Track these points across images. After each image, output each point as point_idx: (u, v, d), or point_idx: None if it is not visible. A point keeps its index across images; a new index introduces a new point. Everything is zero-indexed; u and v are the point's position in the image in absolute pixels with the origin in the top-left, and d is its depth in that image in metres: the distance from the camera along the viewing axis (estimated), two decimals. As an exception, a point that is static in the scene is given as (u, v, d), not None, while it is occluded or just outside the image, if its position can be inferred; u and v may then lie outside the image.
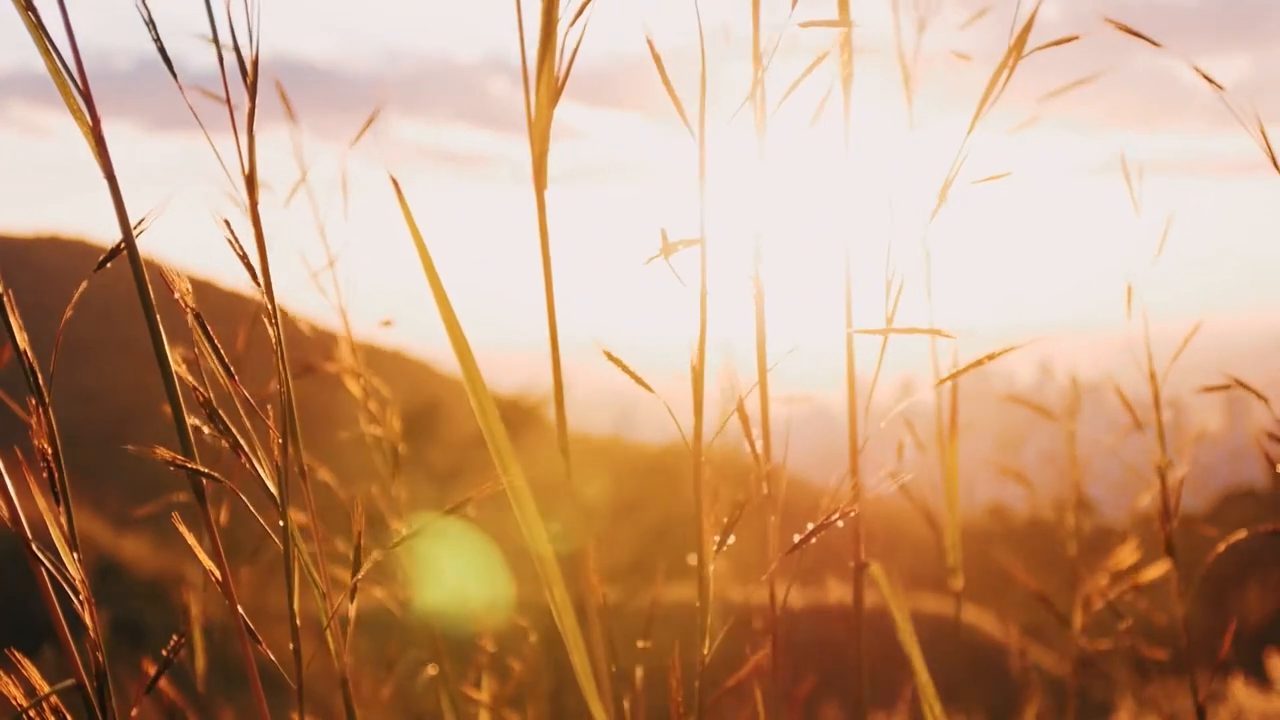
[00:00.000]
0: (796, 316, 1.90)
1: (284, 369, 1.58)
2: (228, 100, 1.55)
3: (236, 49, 1.53)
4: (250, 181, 1.56)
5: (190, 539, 1.55)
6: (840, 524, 1.72)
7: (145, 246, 1.57)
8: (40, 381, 1.55)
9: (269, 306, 1.55)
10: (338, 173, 2.69)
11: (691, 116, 1.60)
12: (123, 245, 1.55)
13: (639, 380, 1.66)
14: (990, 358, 1.73)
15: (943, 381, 1.94)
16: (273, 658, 1.61)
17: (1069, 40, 1.79)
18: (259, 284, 1.56)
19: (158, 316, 1.57)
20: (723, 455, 2.08)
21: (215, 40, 1.55)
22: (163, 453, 1.55)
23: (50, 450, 1.56)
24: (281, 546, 1.60)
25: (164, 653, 1.61)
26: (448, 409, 22.52)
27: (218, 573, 1.61)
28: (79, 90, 1.53)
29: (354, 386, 2.87)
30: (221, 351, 1.56)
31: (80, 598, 1.56)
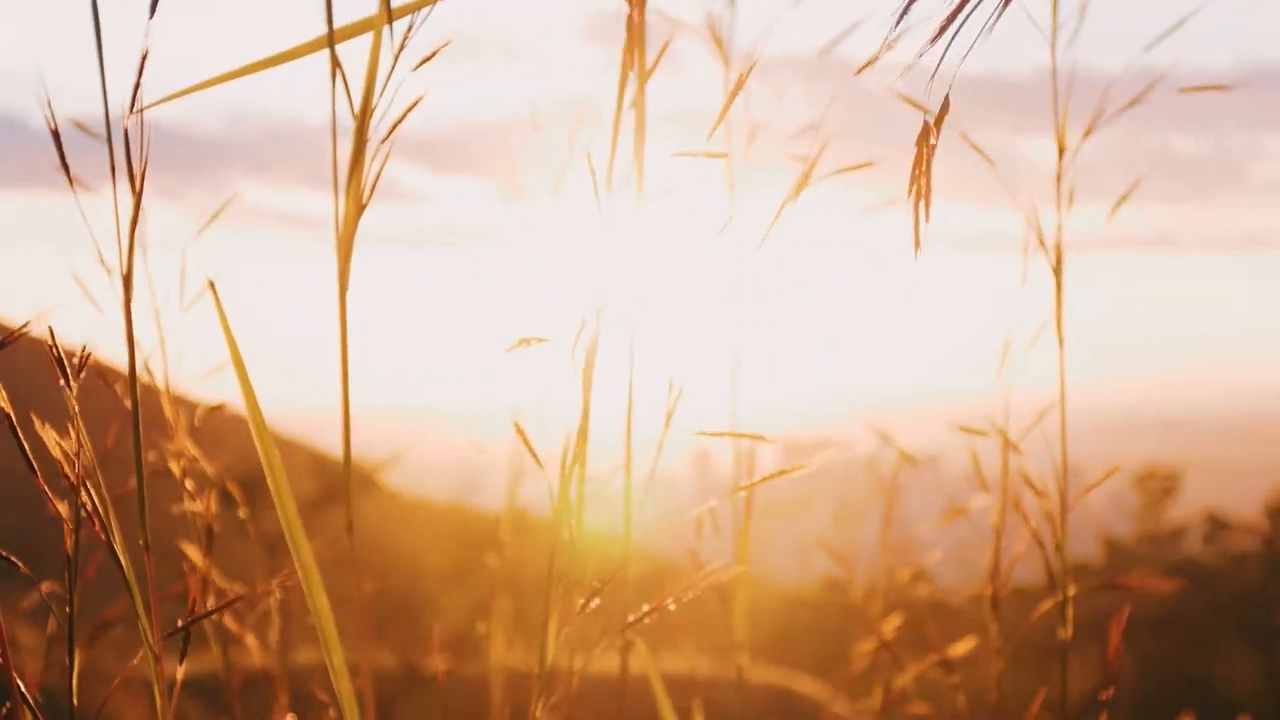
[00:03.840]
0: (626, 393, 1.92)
1: (139, 450, 1.56)
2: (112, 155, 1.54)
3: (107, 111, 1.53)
4: (127, 281, 1.59)
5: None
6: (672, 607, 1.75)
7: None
8: None
9: (132, 390, 1.55)
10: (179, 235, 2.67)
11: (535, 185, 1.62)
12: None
13: (534, 454, 1.68)
14: (783, 472, 1.77)
15: (738, 490, 1.97)
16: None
17: (862, 166, 1.85)
18: (130, 372, 1.55)
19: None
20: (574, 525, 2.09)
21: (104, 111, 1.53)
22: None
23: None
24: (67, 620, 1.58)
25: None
26: (285, 471, 22.24)
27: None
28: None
29: (174, 466, 2.83)
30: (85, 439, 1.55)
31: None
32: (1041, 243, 2.45)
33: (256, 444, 1.64)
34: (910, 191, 1.19)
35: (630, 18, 1.72)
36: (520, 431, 1.68)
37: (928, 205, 1.18)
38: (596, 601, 1.77)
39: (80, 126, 2.24)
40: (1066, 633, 2.54)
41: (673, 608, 1.77)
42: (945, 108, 1.18)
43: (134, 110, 1.52)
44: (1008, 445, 2.62)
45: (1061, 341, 2.50)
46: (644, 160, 1.81)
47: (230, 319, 1.61)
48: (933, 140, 1.18)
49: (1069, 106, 2.43)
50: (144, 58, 1.51)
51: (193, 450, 2.84)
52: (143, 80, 1.52)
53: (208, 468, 2.92)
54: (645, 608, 1.80)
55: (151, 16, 1.50)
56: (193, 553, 2.68)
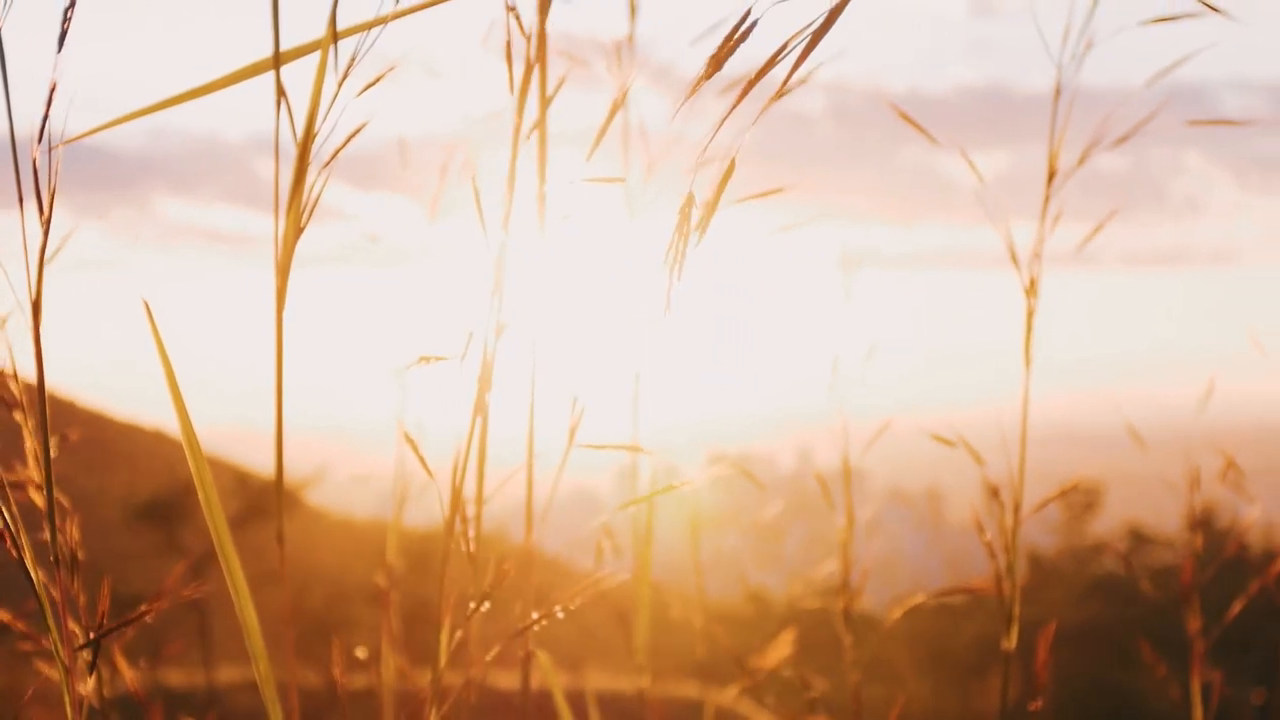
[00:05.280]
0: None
1: (48, 469, 1.56)
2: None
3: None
4: (36, 308, 1.58)
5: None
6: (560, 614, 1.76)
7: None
8: None
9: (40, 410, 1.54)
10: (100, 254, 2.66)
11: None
12: None
13: (425, 465, 1.69)
14: (670, 488, 1.80)
15: (625, 506, 1.98)
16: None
17: (773, 192, 1.87)
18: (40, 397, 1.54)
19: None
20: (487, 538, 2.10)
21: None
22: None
23: None
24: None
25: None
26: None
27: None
28: None
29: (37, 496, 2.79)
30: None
31: None
32: (1015, 262, 2.45)
33: (190, 461, 1.64)
34: (668, 256, 1.19)
35: (531, 42, 1.73)
36: (412, 444, 1.70)
37: (680, 269, 1.19)
38: (487, 606, 1.78)
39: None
40: (1010, 643, 2.56)
41: (560, 615, 1.78)
42: (730, 170, 1.19)
43: (41, 140, 1.51)
44: (846, 469, 2.64)
45: (1029, 362, 2.50)
46: (545, 182, 1.83)
47: (162, 339, 1.61)
48: (695, 208, 1.19)
49: (1066, 129, 2.42)
50: (52, 90, 1.50)
51: (38, 477, 2.80)
52: (50, 113, 1.51)
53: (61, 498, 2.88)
54: (534, 615, 1.81)
55: (59, 50, 1.49)
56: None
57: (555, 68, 2.65)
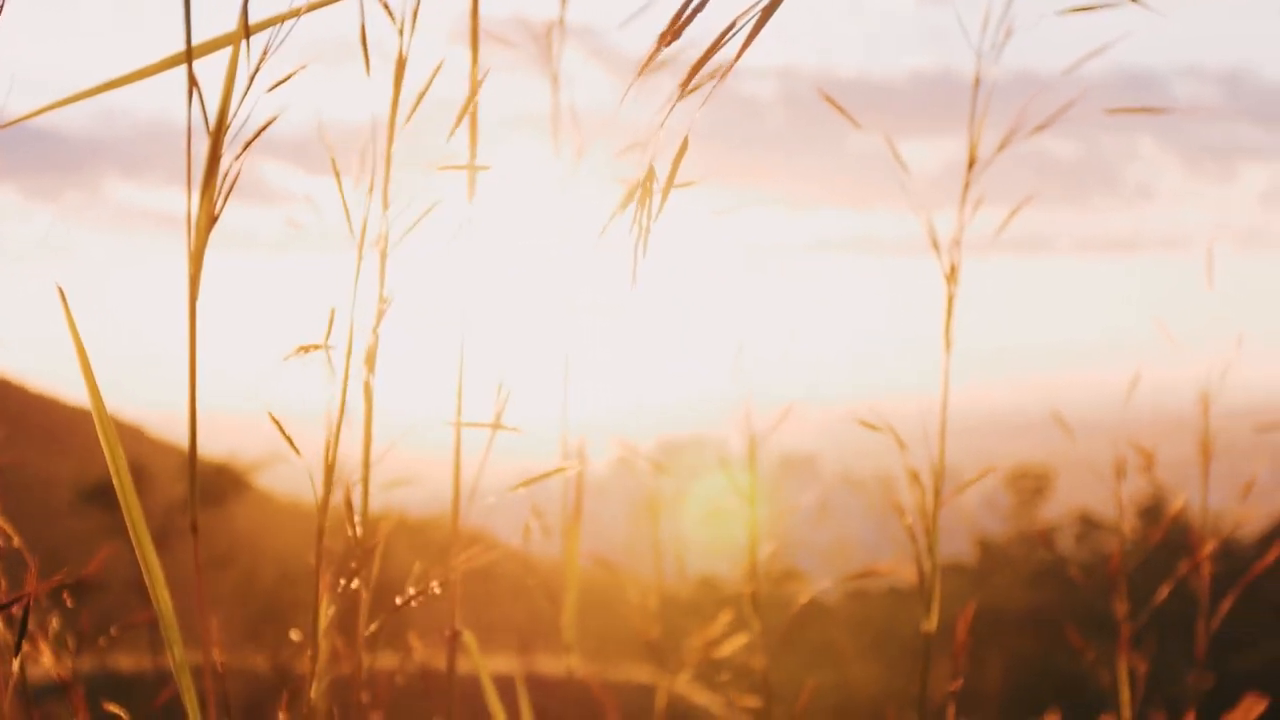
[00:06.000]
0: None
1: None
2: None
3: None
4: None
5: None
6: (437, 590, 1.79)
7: None
8: None
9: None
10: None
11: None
12: None
13: (291, 443, 1.70)
14: (559, 470, 1.80)
15: (516, 488, 1.98)
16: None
17: (687, 185, 1.88)
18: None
19: None
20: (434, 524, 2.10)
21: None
22: None
23: None
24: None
25: None
26: (154, 473, 22.12)
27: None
28: None
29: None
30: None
31: None
32: (936, 248, 2.48)
33: (102, 442, 1.65)
34: (633, 226, 1.20)
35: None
36: (277, 424, 1.71)
37: (645, 242, 1.19)
38: (357, 584, 1.79)
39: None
40: (930, 625, 2.60)
41: (438, 590, 1.80)
42: (683, 148, 1.19)
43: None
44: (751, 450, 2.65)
45: (949, 346, 2.53)
46: (476, 162, 1.84)
47: (79, 325, 1.62)
48: (656, 182, 1.20)
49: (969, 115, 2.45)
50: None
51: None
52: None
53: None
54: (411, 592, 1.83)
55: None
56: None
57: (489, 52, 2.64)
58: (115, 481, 1.66)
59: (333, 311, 1.72)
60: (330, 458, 1.77)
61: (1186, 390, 3.00)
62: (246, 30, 1.61)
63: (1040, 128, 2.44)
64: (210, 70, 1.64)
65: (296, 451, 1.73)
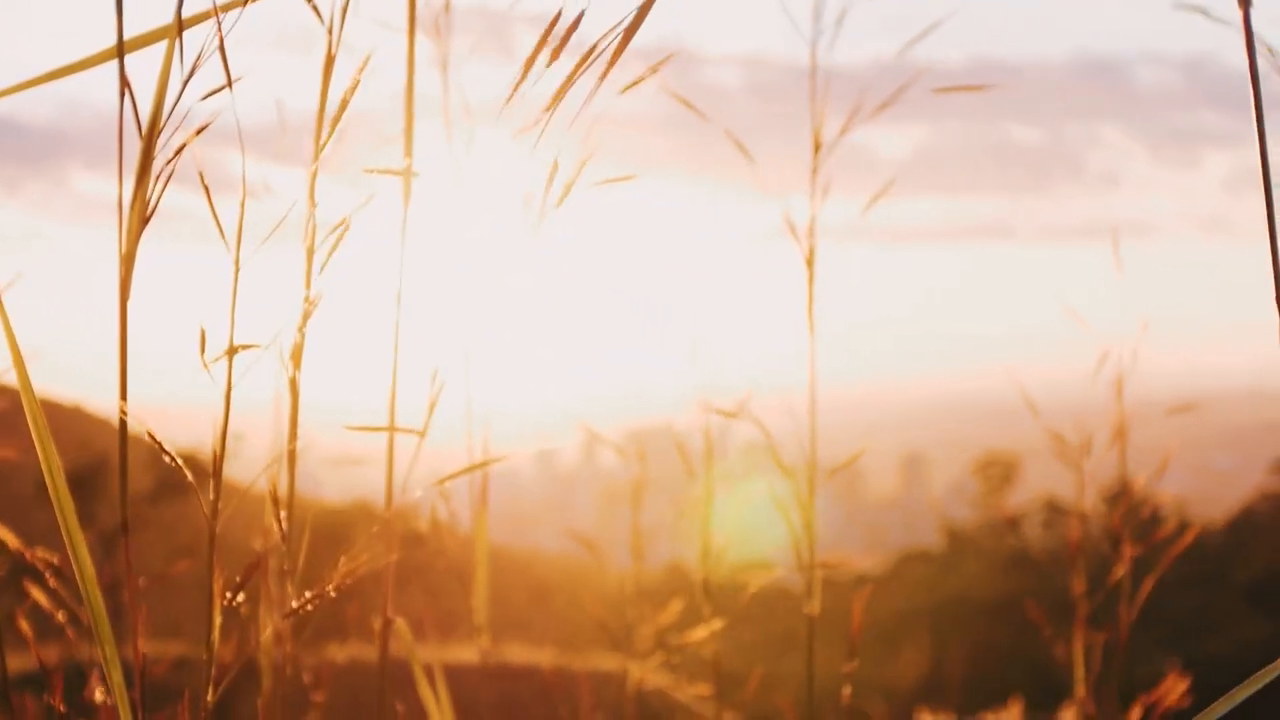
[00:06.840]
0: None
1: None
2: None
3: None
4: None
5: None
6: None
7: None
8: None
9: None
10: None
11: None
12: None
13: (222, 440, 1.71)
14: (487, 462, 1.79)
15: (442, 481, 1.98)
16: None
17: (625, 179, 1.90)
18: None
19: None
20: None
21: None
22: None
23: None
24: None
25: None
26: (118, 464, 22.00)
27: None
28: None
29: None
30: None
31: None
32: (793, 233, 2.55)
33: (34, 435, 1.64)
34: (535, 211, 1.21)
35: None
36: (152, 435, 1.71)
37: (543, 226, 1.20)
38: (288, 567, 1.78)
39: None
40: (814, 608, 2.69)
41: (334, 594, 1.80)
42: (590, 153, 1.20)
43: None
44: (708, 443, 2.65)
45: (812, 329, 2.60)
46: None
47: (12, 319, 1.62)
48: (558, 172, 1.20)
49: (826, 104, 2.53)
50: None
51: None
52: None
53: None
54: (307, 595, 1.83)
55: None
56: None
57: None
58: (46, 475, 1.65)
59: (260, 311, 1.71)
60: (220, 441, 1.76)
61: (1141, 376, 3.02)
62: (180, 26, 1.58)
63: (880, 109, 2.53)
64: (147, 65, 1.61)
65: (221, 450, 1.72)
